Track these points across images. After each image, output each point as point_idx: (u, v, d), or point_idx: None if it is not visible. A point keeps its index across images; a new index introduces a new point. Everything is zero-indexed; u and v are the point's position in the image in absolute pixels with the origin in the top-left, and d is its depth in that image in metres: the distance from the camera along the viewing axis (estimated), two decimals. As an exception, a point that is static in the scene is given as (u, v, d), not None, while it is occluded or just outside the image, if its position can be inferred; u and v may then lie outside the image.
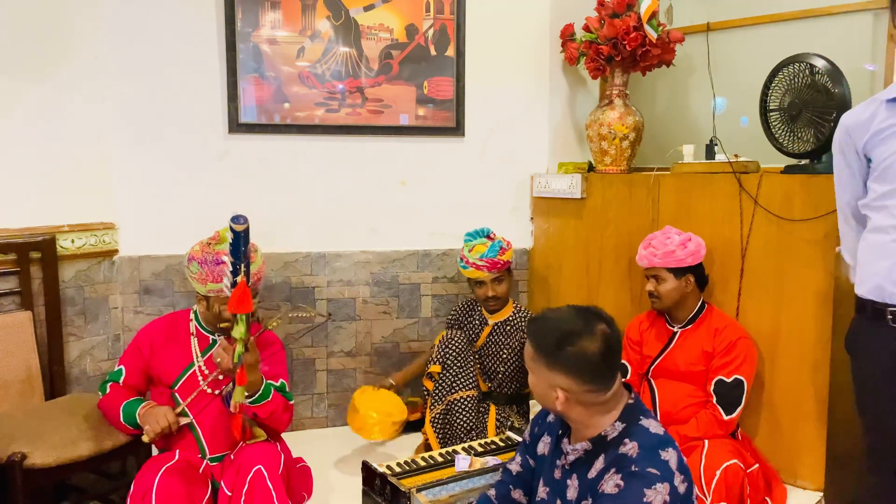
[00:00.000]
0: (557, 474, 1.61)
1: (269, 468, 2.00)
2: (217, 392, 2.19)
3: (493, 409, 2.81)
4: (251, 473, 1.97)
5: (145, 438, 2.06)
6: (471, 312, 3.02)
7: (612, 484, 1.42)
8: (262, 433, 2.17)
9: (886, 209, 1.84)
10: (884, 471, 1.91)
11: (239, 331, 1.94)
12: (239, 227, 1.89)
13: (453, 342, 2.78)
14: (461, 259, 2.89)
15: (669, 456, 1.45)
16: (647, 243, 2.56)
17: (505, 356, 2.88)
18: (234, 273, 1.93)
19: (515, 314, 2.94)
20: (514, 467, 1.78)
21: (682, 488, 1.43)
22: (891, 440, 1.89)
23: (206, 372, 2.21)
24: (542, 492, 1.64)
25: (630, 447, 1.46)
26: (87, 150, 2.82)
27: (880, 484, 1.92)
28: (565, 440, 1.59)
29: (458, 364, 2.74)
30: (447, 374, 2.72)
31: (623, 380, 2.61)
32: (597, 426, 1.52)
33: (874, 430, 1.92)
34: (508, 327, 2.91)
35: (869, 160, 1.89)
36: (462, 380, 2.72)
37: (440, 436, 2.68)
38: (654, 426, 1.51)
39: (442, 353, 2.76)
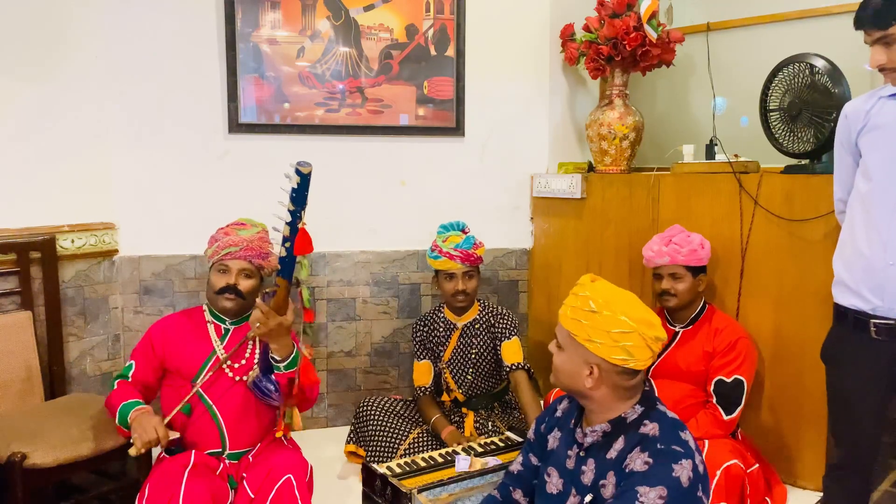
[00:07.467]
0: (570, 464, 1.64)
1: (298, 478, 2.01)
2: (240, 378, 2.15)
3: (470, 415, 2.75)
4: (280, 482, 1.98)
5: (132, 452, 1.93)
6: (433, 325, 2.84)
7: (640, 462, 1.48)
8: (298, 422, 2.17)
9: (867, 213, 1.83)
10: (846, 486, 1.90)
11: (303, 273, 2.00)
12: (306, 170, 1.89)
13: (369, 411, 2.78)
14: (432, 249, 2.74)
15: (688, 437, 1.53)
16: (666, 240, 2.51)
17: (473, 358, 2.77)
18: (294, 221, 1.92)
19: (482, 313, 2.80)
20: (515, 467, 1.82)
21: (701, 468, 1.50)
22: (861, 457, 1.87)
23: (227, 360, 2.17)
24: (556, 484, 1.67)
25: (651, 428, 1.53)
26: (86, 150, 2.82)
27: (840, 499, 1.92)
28: (578, 429, 1.63)
29: (382, 432, 2.70)
30: (377, 448, 2.68)
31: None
32: (616, 410, 1.58)
33: (846, 444, 1.90)
34: (477, 327, 2.78)
35: (860, 154, 1.89)
36: (396, 441, 2.68)
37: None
38: (669, 412, 1.60)
39: (361, 432, 2.76)
